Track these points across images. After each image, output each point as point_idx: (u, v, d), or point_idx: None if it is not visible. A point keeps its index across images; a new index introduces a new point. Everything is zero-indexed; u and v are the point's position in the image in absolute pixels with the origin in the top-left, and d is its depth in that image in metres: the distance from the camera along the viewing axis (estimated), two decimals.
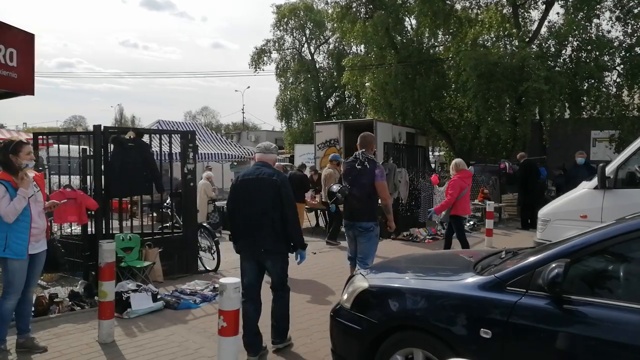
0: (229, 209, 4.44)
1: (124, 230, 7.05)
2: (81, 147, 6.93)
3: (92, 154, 6.53)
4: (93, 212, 6.29)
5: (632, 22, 15.84)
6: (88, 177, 6.56)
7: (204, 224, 8.04)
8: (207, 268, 7.38)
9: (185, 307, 5.62)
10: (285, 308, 4.40)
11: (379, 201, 5.45)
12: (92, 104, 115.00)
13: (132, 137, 6.60)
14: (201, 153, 14.45)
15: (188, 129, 16.14)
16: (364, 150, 5.34)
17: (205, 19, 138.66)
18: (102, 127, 6.50)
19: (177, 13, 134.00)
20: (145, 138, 7.02)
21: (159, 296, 5.69)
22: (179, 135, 7.39)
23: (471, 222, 12.05)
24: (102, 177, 6.39)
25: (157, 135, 7.34)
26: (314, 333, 4.87)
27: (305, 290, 6.43)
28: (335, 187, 5.38)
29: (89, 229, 6.49)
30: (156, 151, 7.35)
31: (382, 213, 5.59)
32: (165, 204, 8.36)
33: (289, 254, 4.36)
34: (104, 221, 6.42)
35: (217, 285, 5.11)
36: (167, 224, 7.71)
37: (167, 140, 7.33)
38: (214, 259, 7.37)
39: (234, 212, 4.33)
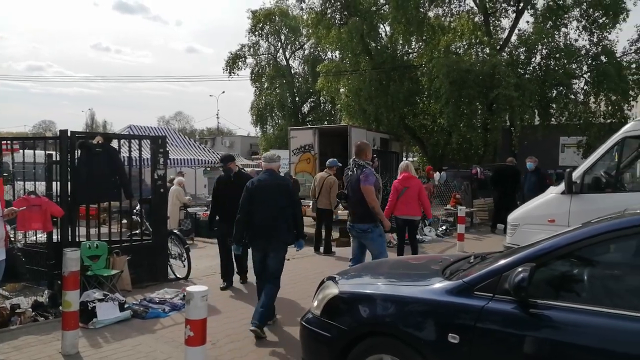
0: (244, 209, 5.12)
1: (92, 237, 6.87)
2: (47, 152, 6.73)
3: (58, 159, 6.34)
4: (59, 219, 6.11)
5: (598, 31, 16.36)
6: (54, 183, 6.36)
7: (175, 231, 7.90)
8: (178, 276, 7.24)
9: (153, 316, 5.49)
10: (272, 299, 5.09)
11: None
12: (63, 108, 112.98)
13: (100, 142, 6.45)
14: (174, 158, 14.25)
15: (160, 134, 15.98)
16: (355, 157, 5.73)
17: (180, 23, 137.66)
18: (68, 132, 6.33)
19: (151, 17, 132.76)
20: (115, 143, 6.89)
21: (126, 305, 5.54)
22: (149, 140, 7.25)
23: (443, 227, 12.17)
24: (69, 183, 6.22)
25: (127, 141, 7.19)
26: (286, 339, 4.81)
27: (278, 297, 6.36)
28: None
29: (54, 237, 6.29)
30: (125, 156, 7.21)
31: None
32: (134, 211, 8.18)
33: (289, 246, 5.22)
34: (69, 229, 6.23)
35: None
36: (137, 231, 7.54)
37: (137, 146, 7.19)
38: (184, 266, 7.23)
39: (251, 211, 5.09)
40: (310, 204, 9.90)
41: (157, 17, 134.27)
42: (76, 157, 6.28)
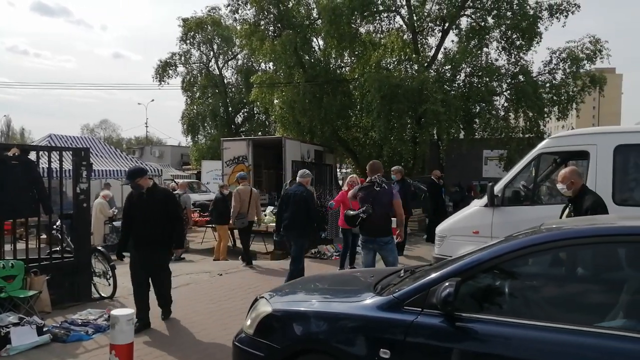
0: (279, 210, 7.48)
1: (7, 255, 6.39)
2: None
3: None
4: None
5: (515, 52, 17.49)
6: None
7: (99, 247, 7.52)
8: (102, 295, 6.88)
9: (75, 339, 5.17)
10: (294, 274, 6.96)
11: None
12: None
13: (16, 154, 6.04)
14: (99, 170, 13.62)
15: (83, 144, 15.21)
16: (378, 174, 6.17)
17: (105, 28, 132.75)
18: None
19: (74, 20, 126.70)
20: (33, 155, 6.48)
21: (45, 328, 5.18)
22: (71, 152, 6.88)
23: None
24: None
25: (46, 153, 6.78)
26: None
27: (210, 313, 6.22)
28: (352, 212, 6.15)
29: None
30: (45, 167, 6.79)
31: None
32: (55, 226, 7.70)
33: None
34: None
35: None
36: (57, 248, 7.09)
37: (57, 158, 6.78)
38: (109, 284, 6.88)
39: (282, 212, 7.34)
40: (235, 218, 9.78)
41: (81, 21, 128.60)
42: None
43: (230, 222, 10.20)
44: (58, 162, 6.74)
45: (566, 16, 16.73)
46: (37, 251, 6.82)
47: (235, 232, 12.76)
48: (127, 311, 3.08)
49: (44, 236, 8.26)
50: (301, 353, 3.09)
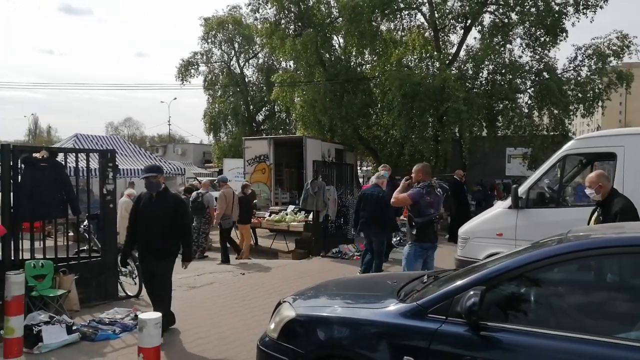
0: (357, 209, 8.33)
1: (36, 255, 6.57)
2: None
3: None
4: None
5: (540, 49, 17.19)
6: None
7: None
8: (129, 294, 7.03)
9: (103, 338, 5.30)
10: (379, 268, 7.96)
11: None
12: (4, 112, 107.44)
13: (44, 156, 6.19)
14: (123, 169, 13.86)
15: (108, 143, 15.50)
16: (434, 178, 6.28)
17: (128, 27, 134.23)
18: (11, 146, 6.05)
19: (97, 20, 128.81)
20: (61, 157, 6.64)
21: (74, 327, 5.33)
22: (98, 154, 7.03)
23: (398, 237, 12.39)
24: (11, 199, 5.93)
25: (73, 154, 6.94)
26: None
27: (234, 312, 6.30)
28: (420, 220, 5.81)
29: None
30: (72, 167, 6.94)
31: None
32: (82, 226, 7.88)
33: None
34: (12, 248, 5.93)
35: (138, 313, 4.86)
36: (84, 248, 7.26)
37: (85, 159, 6.95)
38: (135, 283, 7.02)
39: (360, 210, 8.14)
40: (221, 219, 10.39)
41: (104, 20, 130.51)
42: (19, 171, 6.00)
43: (214, 223, 10.74)
44: (85, 162, 6.91)
45: (594, 11, 16.38)
46: (66, 251, 7.00)
47: (258, 230, 12.93)
48: (154, 315, 3.15)
49: (71, 234, 8.48)
50: (325, 358, 3.12)
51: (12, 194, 5.95)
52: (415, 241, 5.87)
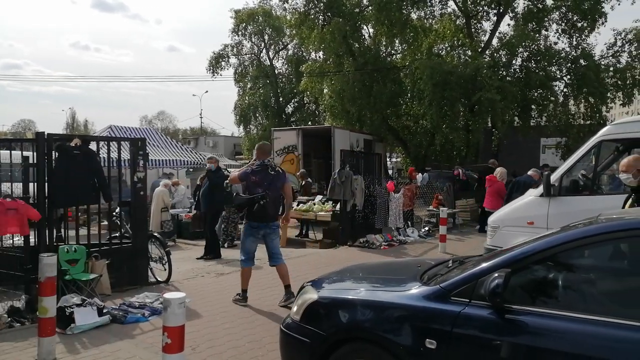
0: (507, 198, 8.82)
1: (70, 240, 6.76)
2: (23, 154, 6.60)
3: (35, 161, 6.23)
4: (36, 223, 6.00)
5: (576, 35, 16.63)
6: (30, 186, 6.24)
7: (155, 234, 7.82)
8: (158, 279, 7.17)
9: (133, 321, 5.42)
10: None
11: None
12: (42, 107, 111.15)
13: (77, 144, 6.35)
14: (156, 159, 14.14)
15: (142, 135, 15.80)
16: (270, 157, 6.35)
17: (160, 22, 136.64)
18: (45, 134, 6.23)
19: (130, 15, 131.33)
20: (93, 145, 6.79)
21: (105, 310, 5.46)
22: (128, 142, 7.16)
23: (426, 228, 12.26)
24: (46, 186, 6.11)
25: (106, 143, 7.09)
26: (266, 345, 4.79)
27: (261, 299, 6.35)
28: (239, 199, 6.18)
29: (32, 240, 6.17)
30: (104, 157, 7.10)
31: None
32: (114, 213, 8.07)
33: None
34: (47, 232, 6.12)
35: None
36: (116, 234, 7.44)
37: (116, 147, 7.11)
38: (165, 269, 7.16)
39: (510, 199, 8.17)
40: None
41: (137, 16, 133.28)
42: (53, 159, 6.17)
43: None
44: (117, 151, 7.05)
45: None
46: (98, 237, 7.18)
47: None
48: (179, 294, 3.18)
49: (104, 222, 8.70)
50: (346, 340, 3.10)
51: (46, 181, 6.14)
52: (245, 219, 6.10)
